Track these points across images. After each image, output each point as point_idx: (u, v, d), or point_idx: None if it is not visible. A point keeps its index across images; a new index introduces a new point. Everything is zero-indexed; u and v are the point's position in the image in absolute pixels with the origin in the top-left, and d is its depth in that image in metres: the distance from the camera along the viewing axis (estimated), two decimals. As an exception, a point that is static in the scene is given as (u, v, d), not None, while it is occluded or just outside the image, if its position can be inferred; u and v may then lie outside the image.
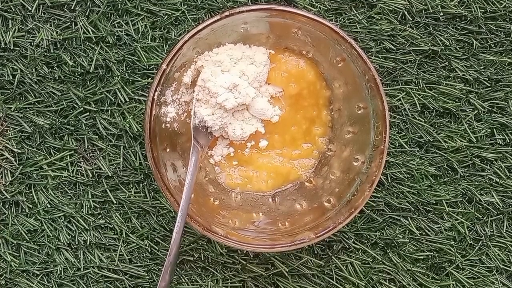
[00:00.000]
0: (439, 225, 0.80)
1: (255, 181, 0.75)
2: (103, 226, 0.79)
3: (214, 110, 0.70)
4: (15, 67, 0.78)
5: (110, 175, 0.79)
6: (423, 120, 0.80)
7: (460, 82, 0.80)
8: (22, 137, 0.79)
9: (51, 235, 0.79)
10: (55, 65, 0.78)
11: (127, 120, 0.78)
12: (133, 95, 0.78)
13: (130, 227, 0.79)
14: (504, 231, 0.81)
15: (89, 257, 0.79)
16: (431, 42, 0.80)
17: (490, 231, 0.81)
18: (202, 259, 0.79)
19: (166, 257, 0.66)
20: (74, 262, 0.79)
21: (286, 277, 0.79)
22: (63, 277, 0.79)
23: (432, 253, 0.80)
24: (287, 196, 0.76)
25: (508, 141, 0.81)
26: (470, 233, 0.80)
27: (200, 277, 0.79)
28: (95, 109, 0.78)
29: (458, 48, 0.80)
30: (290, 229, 0.71)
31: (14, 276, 0.78)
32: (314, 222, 0.70)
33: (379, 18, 0.79)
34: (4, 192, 0.78)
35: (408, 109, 0.79)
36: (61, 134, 0.79)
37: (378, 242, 0.80)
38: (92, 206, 0.79)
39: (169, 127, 0.71)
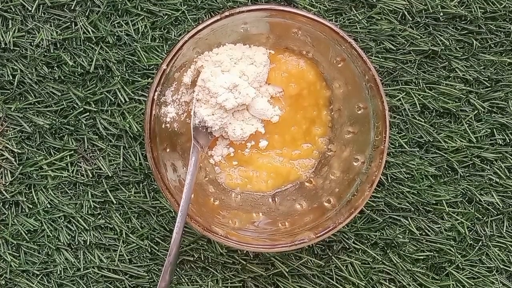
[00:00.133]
0: (439, 225, 0.80)
1: (255, 181, 0.75)
2: (103, 226, 0.79)
3: (214, 110, 0.70)
4: (15, 67, 0.78)
5: (110, 175, 0.79)
6: (423, 120, 0.80)
7: (460, 82, 0.80)
8: (22, 137, 0.79)
9: (51, 235, 0.79)
10: (55, 65, 0.78)
11: (127, 120, 0.78)
12: (133, 95, 0.78)
13: (130, 227, 0.79)
14: (504, 231, 0.81)
15: (89, 257, 0.79)
16: (431, 42, 0.80)
17: (490, 231, 0.81)
18: (202, 259, 0.79)
19: (166, 257, 0.66)
20: (74, 262, 0.79)
21: (286, 277, 0.79)
22: (63, 277, 0.79)
23: (432, 253, 0.80)
24: (287, 196, 0.76)
25: (508, 141, 0.81)
26: (470, 233, 0.80)
27: (200, 277, 0.79)
28: (95, 109, 0.78)
29: (458, 48, 0.80)
30: (290, 229, 0.71)
31: (14, 276, 0.78)
32: (314, 222, 0.70)
33: (379, 18, 0.79)
34: (4, 192, 0.78)
35: (408, 109, 0.79)
36: (61, 134, 0.79)
37: (378, 242, 0.80)
38: (92, 206, 0.79)
39: (169, 127, 0.71)
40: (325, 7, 0.79)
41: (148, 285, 0.79)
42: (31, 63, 0.78)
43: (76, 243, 0.79)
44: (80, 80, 0.78)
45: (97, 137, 0.79)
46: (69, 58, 0.78)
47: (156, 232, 0.79)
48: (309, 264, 0.79)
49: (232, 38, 0.71)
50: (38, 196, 0.79)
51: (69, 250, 0.79)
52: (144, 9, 0.79)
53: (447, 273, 0.80)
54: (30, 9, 0.78)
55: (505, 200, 0.81)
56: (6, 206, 0.79)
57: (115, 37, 0.78)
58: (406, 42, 0.80)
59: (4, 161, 0.79)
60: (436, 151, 0.80)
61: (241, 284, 0.79)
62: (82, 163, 0.79)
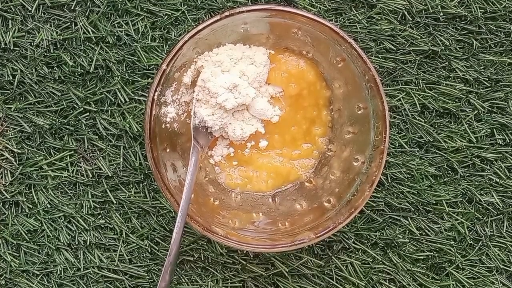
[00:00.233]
0: (439, 225, 0.80)
1: (255, 181, 0.75)
2: (103, 226, 0.79)
3: (214, 110, 0.70)
4: (15, 67, 0.78)
5: (110, 175, 0.79)
6: (423, 120, 0.80)
7: (460, 82, 0.80)
8: (22, 137, 0.79)
9: (51, 235, 0.78)
10: (55, 65, 0.78)
11: (127, 120, 0.78)
12: (133, 95, 0.78)
13: (130, 227, 0.79)
14: (504, 231, 0.81)
15: (89, 257, 0.79)
16: (431, 42, 0.80)
17: (490, 231, 0.81)
18: (202, 259, 0.79)
19: (166, 257, 0.66)
20: (74, 262, 0.79)
21: (286, 277, 0.79)
22: (63, 277, 0.79)
23: (432, 253, 0.80)
24: (287, 196, 0.76)
25: (508, 141, 0.81)
26: (470, 233, 0.80)
27: (200, 277, 0.79)
28: (95, 109, 0.78)
29: (458, 48, 0.80)
30: (290, 229, 0.71)
31: (14, 276, 0.78)
32: (314, 222, 0.70)
33: (379, 18, 0.79)
34: (4, 192, 0.78)
35: (408, 109, 0.79)
36: (61, 134, 0.79)
37: (378, 242, 0.80)
38: (92, 206, 0.79)
39: (169, 127, 0.71)
40: (325, 7, 0.79)
41: (148, 285, 0.79)
42: (31, 63, 0.78)
43: (76, 243, 0.79)
44: (80, 80, 0.78)
45: (97, 137, 0.79)
46: (69, 58, 0.78)
47: (156, 232, 0.79)
48: (309, 264, 0.79)
49: (232, 38, 0.71)
50: (38, 196, 0.79)
51: (69, 250, 0.79)
52: (144, 9, 0.79)
53: (447, 273, 0.80)
54: (30, 9, 0.78)
55: (505, 200, 0.81)
56: (6, 206, 0.79)
57: (115, 37, 0.78)
58: (406, 42, 0.80)
59: (4, 161, 0.79)
60: (436, 151, 0.80)
61: (241, 284, 0.79)
62: (82, 163, 0.79)
